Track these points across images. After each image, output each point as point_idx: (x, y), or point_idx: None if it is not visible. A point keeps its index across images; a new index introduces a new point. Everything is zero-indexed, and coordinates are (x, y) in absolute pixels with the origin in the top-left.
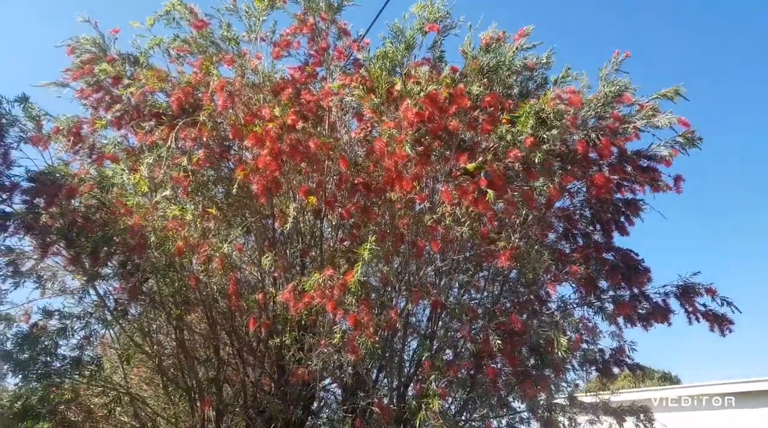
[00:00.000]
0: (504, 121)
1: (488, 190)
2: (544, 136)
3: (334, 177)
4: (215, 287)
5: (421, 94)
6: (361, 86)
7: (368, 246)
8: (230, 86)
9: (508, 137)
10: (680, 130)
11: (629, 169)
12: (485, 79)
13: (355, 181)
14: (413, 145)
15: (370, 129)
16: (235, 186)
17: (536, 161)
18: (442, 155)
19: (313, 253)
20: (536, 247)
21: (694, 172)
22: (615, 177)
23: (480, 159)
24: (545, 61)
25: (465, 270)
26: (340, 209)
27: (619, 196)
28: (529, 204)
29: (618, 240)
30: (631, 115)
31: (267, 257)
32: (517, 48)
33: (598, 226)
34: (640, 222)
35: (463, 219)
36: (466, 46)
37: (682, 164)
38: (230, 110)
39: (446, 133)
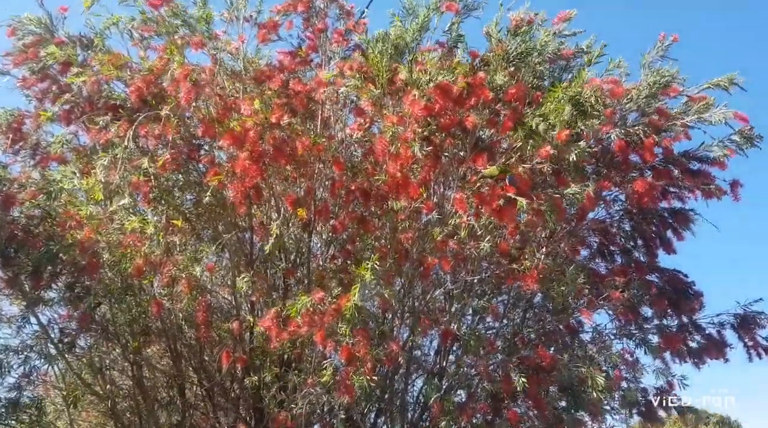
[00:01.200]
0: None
1: (517, 197)
2: (582, 127)
3: (326, 182)
4: (181, 314)
5: (430, 83)
6: (358, 74)
7: (370, 265)
8: (197, 74)
9: (541, 128)
10: (737, 127)
11: (676, 172)
12: (511, 67)
13: (351, 187)
14: (421, 145)
15: (368, 125)
16: (208, 193)
17: (572, 160)
18: (454, 156)
19: (299, 274)
20: (567, 267)
21: (751, 174)
22: (660, 182)
23: (501, 160)
24: (585, 49)
25: (481, 294)
26: (332, 220)
27: (664, 204)
28: (558, 214)
29: (663, 258)
30: (678, 109)
31: (243, 278)
32: (554, 33)
33: (639, 242)
34: (690, 236)
35: (480, 233)
36: (492, 27)
37: (737, 165)
38: (201, 103)
39: (460, 130)
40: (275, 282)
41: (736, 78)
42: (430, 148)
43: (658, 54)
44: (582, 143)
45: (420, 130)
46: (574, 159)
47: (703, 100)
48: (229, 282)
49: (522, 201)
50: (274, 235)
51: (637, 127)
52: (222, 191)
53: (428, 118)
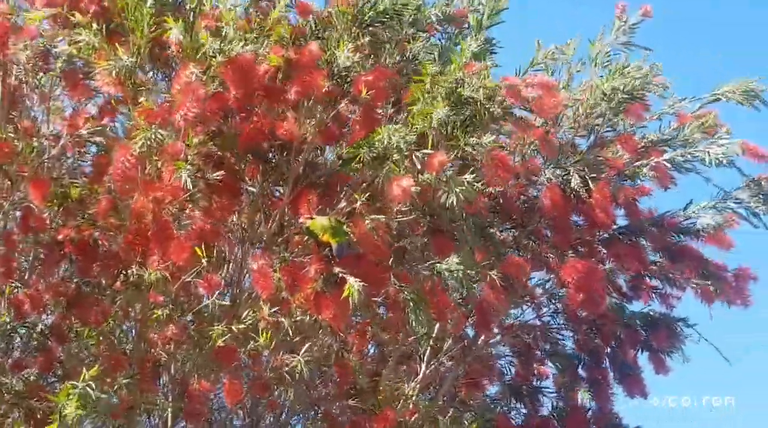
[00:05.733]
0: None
1: (350, 278)
2: (468, 147)
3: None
4: None
5: (219, 55)
6: (96, 24)
7: (79, 388)
8: None
9: (397, 144)
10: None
11: (651, 250)
12: (366, 37)
13: (59, 235)
14: (200, 168)
15: (110, 118)
16: None
17: (456, 203)
18: (265, 193)
19: None
20: (458, 410)
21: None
22: (609, 266)
23: (343, 206)
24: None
25: None
26: (18, 292)
27: (637, 305)
28: (438, 315)
29: (626, 404)
30: (654, 136)
31: None
32: None
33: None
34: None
35: (299, 339)
36: None
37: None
38: None
39: (278, 146)
40: None
41: (758, 87)
42: (220, 174)
43: (618, 40)
44: (468, 177)
45: (200, 139)
46: (455, 202)
47: (702, 118)
48: None
49: (354, 284)
50: None
51: (579, 166)
52: None
53: (216, 119)
